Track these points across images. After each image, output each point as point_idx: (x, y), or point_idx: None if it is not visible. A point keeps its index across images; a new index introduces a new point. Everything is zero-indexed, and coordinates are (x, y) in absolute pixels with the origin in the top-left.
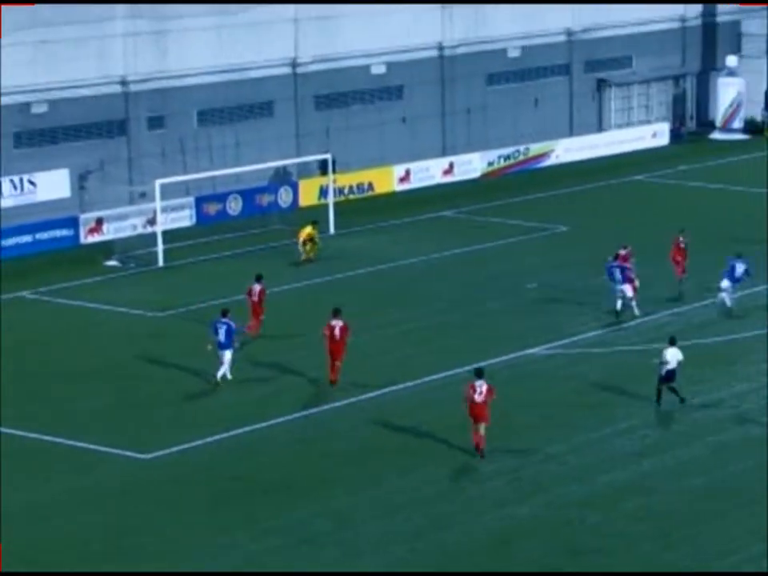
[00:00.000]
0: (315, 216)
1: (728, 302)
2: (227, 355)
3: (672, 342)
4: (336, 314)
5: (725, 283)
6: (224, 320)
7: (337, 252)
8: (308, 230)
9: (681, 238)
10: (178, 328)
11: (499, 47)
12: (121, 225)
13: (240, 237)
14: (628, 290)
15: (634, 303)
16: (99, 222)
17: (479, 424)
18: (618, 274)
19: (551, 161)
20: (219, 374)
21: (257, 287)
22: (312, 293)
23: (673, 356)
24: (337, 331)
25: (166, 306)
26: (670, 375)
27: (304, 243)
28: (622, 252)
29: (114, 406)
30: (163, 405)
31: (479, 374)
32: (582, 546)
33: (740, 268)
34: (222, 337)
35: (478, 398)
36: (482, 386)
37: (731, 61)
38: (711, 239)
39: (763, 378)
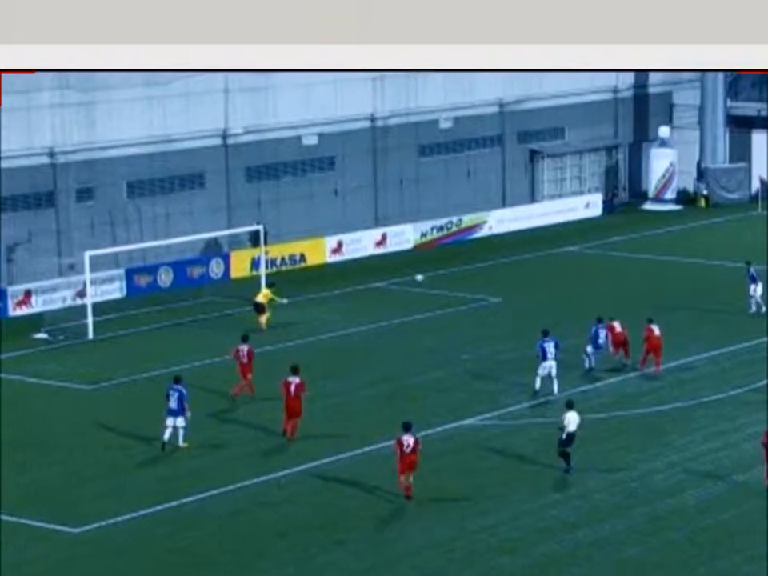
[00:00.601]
0: (249, 287)
1: (589, 364)
2: (179, 422)
3: (569, 406)
4: (294, 371)
5: (589, 348)
6: (176, 386)
7: (269, 323)
8: (265, 291)
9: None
10: (108, 401)
11: (431, 118)
12: (50, 297)
13: (171, 309)
14: (554, 367)
15: (556, 381)
16: (28, 294)
17: (409, 474)
18: (551, 349)
19: (484, 232)
20: (181, 443)
21: (244, 348)
22: None
23: (572, 420)
24: (293, 388)
25: (97, 378)
26: (571, 438)
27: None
28: (615, 324)
29: (44, 479)
30: (95, 478)
31: (407, 428)
32: None
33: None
34: (173, 404)
35: (407, 450)
36: (408, 440)
37: (663, 131)
38: (642, 308)
39: (697, 448)
